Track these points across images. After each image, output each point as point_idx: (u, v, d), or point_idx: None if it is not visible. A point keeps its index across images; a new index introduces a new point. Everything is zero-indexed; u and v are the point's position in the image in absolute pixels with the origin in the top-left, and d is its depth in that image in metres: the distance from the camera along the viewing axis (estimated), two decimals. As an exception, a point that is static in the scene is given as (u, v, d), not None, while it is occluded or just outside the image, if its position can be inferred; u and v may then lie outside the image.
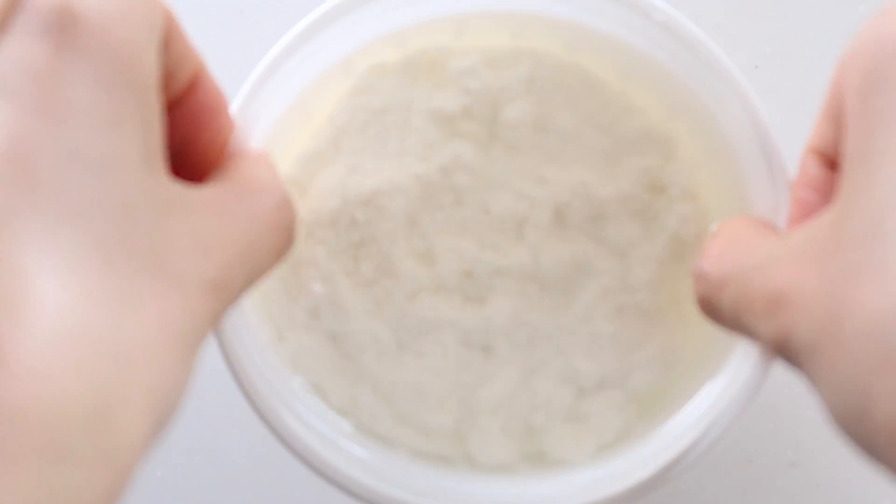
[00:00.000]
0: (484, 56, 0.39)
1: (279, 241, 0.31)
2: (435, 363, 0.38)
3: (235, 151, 0.32)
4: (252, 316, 0.37)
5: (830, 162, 0.31)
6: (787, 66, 0.48)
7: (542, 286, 0.39)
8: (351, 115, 0.39)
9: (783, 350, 0.28)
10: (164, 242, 0.26)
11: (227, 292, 0.28)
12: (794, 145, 0.34)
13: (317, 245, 0.38)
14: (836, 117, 0.30)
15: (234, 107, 0.34)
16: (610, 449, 0.38)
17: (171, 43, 0.28)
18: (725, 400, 0.34)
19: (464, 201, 0.39)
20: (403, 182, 0.38)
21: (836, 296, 0.25)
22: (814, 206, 0.32)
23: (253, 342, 0.35)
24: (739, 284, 0.30)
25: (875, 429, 0.24)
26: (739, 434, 0.43)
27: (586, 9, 0.37)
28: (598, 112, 0.39)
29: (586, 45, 0.39)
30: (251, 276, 0.30)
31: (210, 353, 0.48)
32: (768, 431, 0.47)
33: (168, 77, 0.29)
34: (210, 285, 0.27)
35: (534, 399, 0.39)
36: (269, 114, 0.36)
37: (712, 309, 0.32)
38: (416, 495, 0.35)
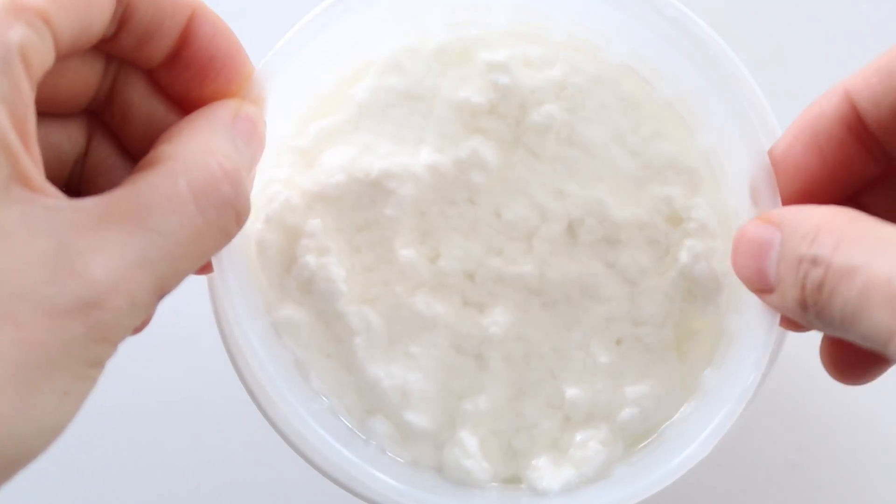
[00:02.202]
0: (519, 52, 0.38)
1: (197, 249, 0.28)
2: (424, 364, 0.37)
3: (170, 156, 0.29)
4: (243, 282, 0.35)
5: (852, 121, 0.31)
6: (788, 66, 0.48)
7: (545, 303, 0.38)
8: (374, 94, 0.38)
9: None
10: None
11: (105, 311, 0.26)
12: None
13: (315, 218, 0.37)
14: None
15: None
16: (589, 485, 0.36)
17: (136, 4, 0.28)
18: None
19: (477, 201, 0.38)
20: (416, 169, 0.37)
21: None
22: (806, 165, 0.32)
23: (243, 311, 0.34)
24: (871, 276, 0.27)
25: None
26: (741, 435, 0.43)
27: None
28: (628, 131, 0.38)
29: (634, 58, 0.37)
30: (159, 285, 0.28)
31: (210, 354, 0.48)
32: (769, 433, 0.47)
33: (146, 36, 0.29)
34: (69, 308, 0.25)
35: (519, 420, 0.37)
36: (289, 81, 0.35)
37: (821, 301, 0.29)
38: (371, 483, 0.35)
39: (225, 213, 0.29)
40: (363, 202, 0.37)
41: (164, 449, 0.48)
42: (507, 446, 0.37)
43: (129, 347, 0.47)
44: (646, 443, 0.37)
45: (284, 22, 0.36)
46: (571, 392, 0.37)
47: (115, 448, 0.48)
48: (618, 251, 0.37)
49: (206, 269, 0.33)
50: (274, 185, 0.37)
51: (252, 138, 0.31)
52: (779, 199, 0.33)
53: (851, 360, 0.34)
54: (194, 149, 0.29)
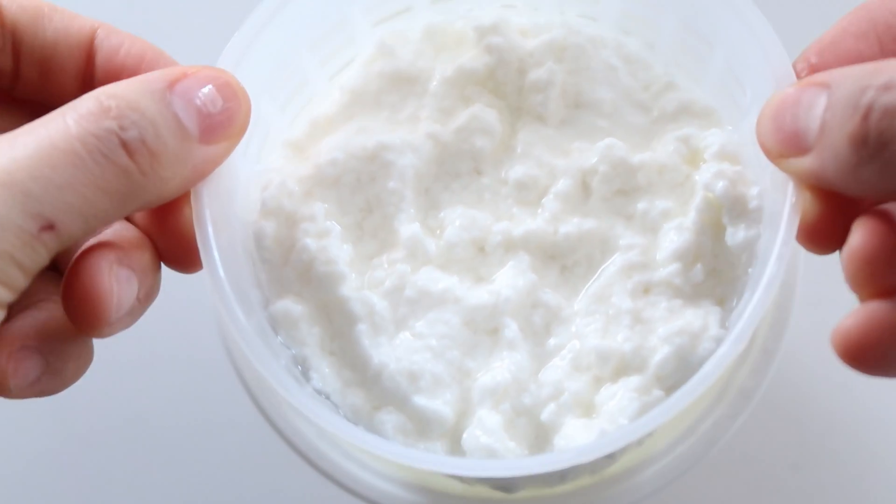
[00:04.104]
0: (513, 23, 0.36)
1: (82, 177, 0.28)
2: (434, 343, 0.34)
3: None
4: (237, 277, 0.33)
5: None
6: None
7: (564, 266, 0.35)
8: (365, 81, 0.36)
9: None
10: None
11: None
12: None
13: (315, 202, 0.35)
14: None
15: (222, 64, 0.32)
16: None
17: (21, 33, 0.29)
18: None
19: (482, 171, 0.36)
20: (416, 140, 0.35)
21: None
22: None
23: (238, 307, 0.31)
24: None
25: None
26: (741, 436, 0.43)
27: None
28: (639, 89, 0.36)
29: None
30: (37, 210, 0.27)
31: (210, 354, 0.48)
32: (770, 434, 0.47)
33: (46, 61, 0.29)
34: None
35: (544, 391, 0.33)
36: (258, 73, 0.33)
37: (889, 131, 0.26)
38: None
39: (108, 141, 0.28)
40: (363, 180, 0.35)
41: (160, 447, 0.48)
42: (535, 424, 0.33)
43: (131, 346, 0.48)
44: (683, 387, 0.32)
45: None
46: (598, 346, 0.33)
47: (108, 444, 0.48)
48: (636, 201, 0.35)
49: (194, 265, 0.32)
50: (268, 174, 0.35)
51: (189, 103, 0.30)
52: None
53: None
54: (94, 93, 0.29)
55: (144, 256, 0.31)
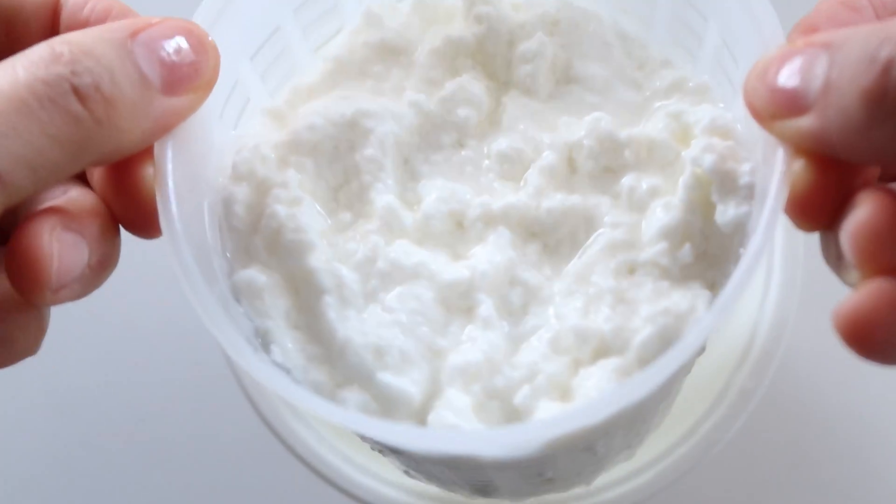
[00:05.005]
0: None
1: (27, 123, 0.26)
2: (404, 319, 0.31)
3: None
4: (199, 244, 0.31)
5: None
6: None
7: (546, 245, 0.33)
8: (350, 51, 0.35)
9: None
10: None
11: None
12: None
13: (290, 169, 0.33)
14: None
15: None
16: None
17: None
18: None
19: (466, 144, 0.34)
20: (398, 108, 0.34)
21: None
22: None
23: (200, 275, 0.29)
24: None
25: None
26: (741, 435, 0.43)
27: None
28: (633, 68, 0.35)
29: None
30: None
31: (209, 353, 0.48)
32: (770, 434, 0.46)
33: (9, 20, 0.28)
34: None
35: (517, 373, 0.31)
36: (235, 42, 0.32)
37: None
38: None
39: (57, 87, 0.27)
40: (341, 149, 0.34)
41: (160, 448, 0.48)
42: (508, 408, 0.31)
43: (131, 346, 0.47)
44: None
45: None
46: (576, 326, 0.31)
47: (108, 444, 0.48)
48: (623, 178, 0.33)
49: (153, 229, 0.30)
50: (243, 139, 0.34)
51: (152, 52, 0.29)
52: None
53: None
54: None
55: (97, 222, 0.30)
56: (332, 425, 0.40)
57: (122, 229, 0.31)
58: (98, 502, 0.48)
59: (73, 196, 0.30)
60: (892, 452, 0.47)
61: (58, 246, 0.28)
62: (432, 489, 0.35)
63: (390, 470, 0.36)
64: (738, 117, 0.32)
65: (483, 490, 0.36)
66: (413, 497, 0.35)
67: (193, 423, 0.48)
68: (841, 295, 0.27)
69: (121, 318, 0.50)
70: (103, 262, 0.30)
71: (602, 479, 0.39)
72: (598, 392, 0.29)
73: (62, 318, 0.49)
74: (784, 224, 0.33)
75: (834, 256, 0.28)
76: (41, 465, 0.49)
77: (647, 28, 0.35)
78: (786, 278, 0.41)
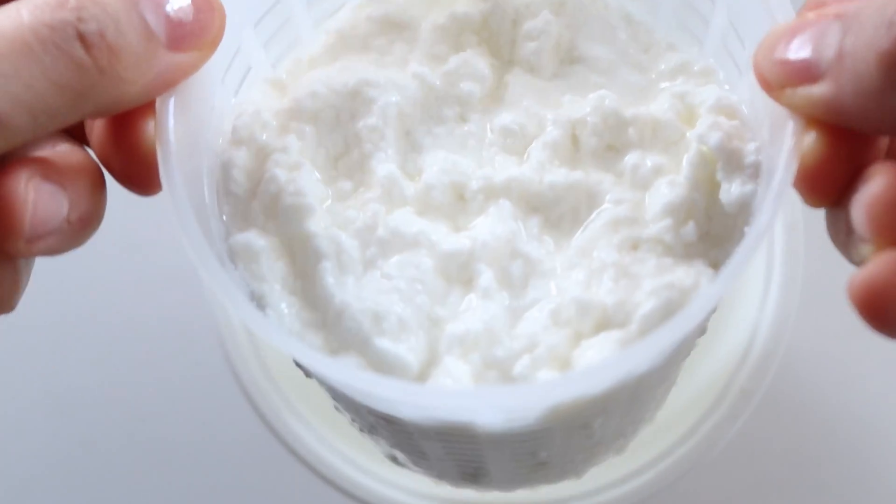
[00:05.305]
0: None
1: (29, 67, 0.26)
2: (403, 286, 0.31)
3: None
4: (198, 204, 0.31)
5: None
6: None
7: (547, 220, 0.33)
8: (353, 24, 0.35)
9: None
10: None
11: None
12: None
13: (289, 135, 0.33)
14: None
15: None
16: None
17: None
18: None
19: (468, 118, 0.34)
20: (402, 79, 0.34)
21: None
22: None
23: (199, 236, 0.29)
24: None
25: None
26: (741, 435, 0.43)
27: None
28: (638, 51, 0.35)
29: None
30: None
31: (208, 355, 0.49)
32: (770, 434, 0.46)
33: None
34: None
35: (517, 343, 0.31)
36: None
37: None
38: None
39: (62, 31, 0.27)
40: (342, 119, 0.34)
41: (160, 449, 0.48)
42: (507, 379, 0.31)
43: (131, 346, 0.47)
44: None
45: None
46: (578, 298, 0.31)
47: (108, 445, 0.48)
48: (626, 157, 0.33)
49: (151, 185, 0.30)
50: (243, 105, 0.34)
51: (159, 7, 0.29)
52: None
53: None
54: None
55: (81, 176, 0.29)
56: (330, 425, 0.40)
57: (107, 201, 0.30)
58: (98, 502, 0.48)
59: (61, 150, 0.30)
60: (892, 452, 0.47)
61: (34, 195, 0.28)
62: (432, 489, 0.35)
63: (390, 470, 0.36)
64: (744, 99, 0.32)
65: (473, 475, 0.36)
66: (413, 497, 0.35)
67: (193, 423, 0.48)
68: (842, 295, 0.27)
69: (121, 318, 0.50)
70: (84, 220, 0.29)
71: (602, 480, 0.39)
72: (604, 355, 0.29)
73: (62, 318, 0.49)
74: (785, 224, 0.33)
75: (843, 233, 0.27)
76: (41, 465, 0.49)
77: (653, 11, 0.35)
78: (786, 278, 0.41)
